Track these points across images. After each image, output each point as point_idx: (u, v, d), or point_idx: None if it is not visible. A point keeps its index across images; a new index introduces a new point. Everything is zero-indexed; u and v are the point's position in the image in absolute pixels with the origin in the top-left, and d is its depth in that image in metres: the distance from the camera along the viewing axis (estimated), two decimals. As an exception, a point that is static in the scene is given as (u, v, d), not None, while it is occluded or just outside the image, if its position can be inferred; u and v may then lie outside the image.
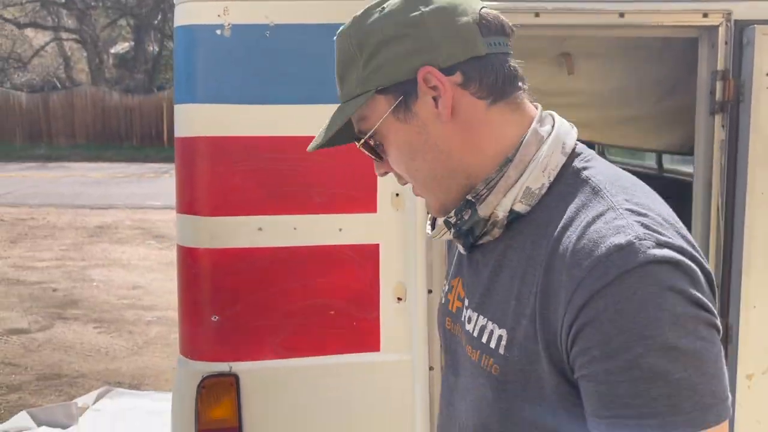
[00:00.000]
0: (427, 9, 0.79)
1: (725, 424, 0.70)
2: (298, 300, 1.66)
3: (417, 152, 0.83)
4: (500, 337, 0.79)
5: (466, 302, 0.89)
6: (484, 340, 0.82)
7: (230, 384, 1.63)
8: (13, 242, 8.34)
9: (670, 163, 3.20)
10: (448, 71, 0.79)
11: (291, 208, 1.64)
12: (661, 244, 0.69)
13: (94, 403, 3.90)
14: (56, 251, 7.85)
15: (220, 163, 1.61)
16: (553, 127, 0.82)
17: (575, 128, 0.85)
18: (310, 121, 1.60)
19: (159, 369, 4.56)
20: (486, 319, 0.83)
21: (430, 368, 1.64)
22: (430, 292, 1.62)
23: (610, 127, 1.81)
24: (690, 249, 0.72)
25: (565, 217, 0.76)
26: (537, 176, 0.79)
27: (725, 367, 0.71)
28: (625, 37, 1.70)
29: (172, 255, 7.29)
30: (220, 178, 1.61)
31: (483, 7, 0.82)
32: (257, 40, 1.59)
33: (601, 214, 0.73)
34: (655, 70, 1.81)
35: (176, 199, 1.67)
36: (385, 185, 1.64)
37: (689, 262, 0.70)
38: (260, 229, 1.63)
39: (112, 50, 24.57)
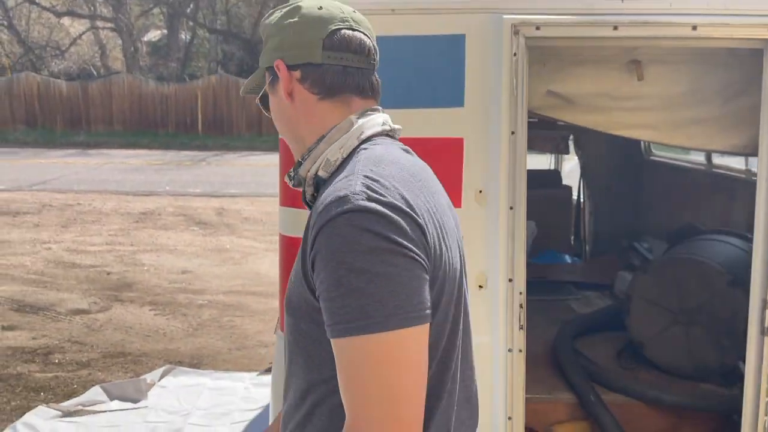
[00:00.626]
0: (292, 21, 1.10)
1: (413, 329, 0.93)
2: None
3: (278, 115, 1.16)
4: (296, 273, 1.06)
5: None
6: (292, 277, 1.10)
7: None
8: (64, 227, 8.68)
9: (720, 160, 3.31)
10: (292, 68, 1.10)
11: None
12: (370, 199, 0.94)
13: (160, 379, 4.15)
14: (105, 236, 8.16)
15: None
16: (361, 121, 1.09)
17: (389, 125, 1.12)
18: (400, 123, 1.78)
19: (215, 349, 4.79)
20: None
21: (509, 350, 1.81)
22: (510, 280, 1.78)
23: (677, 129, 1.94)
24: (401, 206, 0.96)
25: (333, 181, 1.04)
26: (335, 151, 1.07)
27: (422, 288, 0.95)
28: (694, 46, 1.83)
29: (216, 241, 7.56)
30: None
31: (341, 28, 1.09)
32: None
33: (344, 177, 1.00)
34: (721, 75, 1.93)
35: (280, 193, 1.85)
36: (470, 183, 1.80)
37: (392, 214, 0.94)
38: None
39: (145, 38, 25.00)
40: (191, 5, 22.99)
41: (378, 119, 1.11)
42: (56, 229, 8.57)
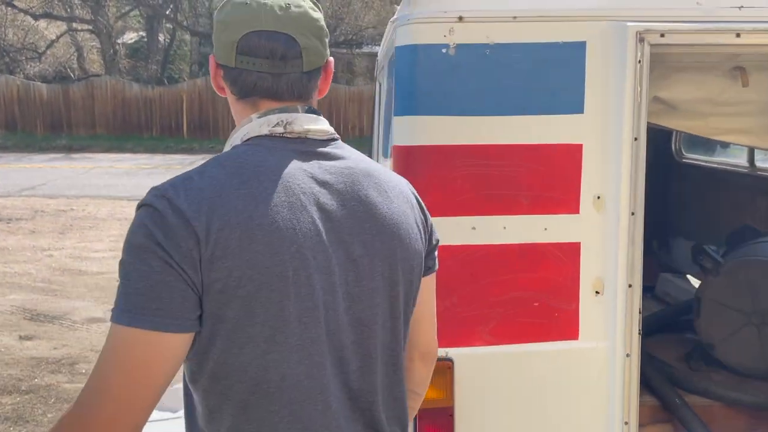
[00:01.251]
0: (219, 18, 1.14)
1: (142, 332, 0.96)
2: (506, 292, 1.83)
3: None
4: None
5: None
6: None
7: (447, 367, 1.81)
8: (62, 233, 8.51)
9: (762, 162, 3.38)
10: (218, 66, 1.15)
11: (501, 209, 1.81)
12: (159, 197, 1.01)
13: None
14: (107, 242, 8.01)
15: (440, 168, 1.78)
16: (255, 122, 1.12)
17: (282, 127, 1.11)
18: (519, 130, 1.79)
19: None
20: None
21: (627, 355, 1.82)
22: (630, 286, 1.79)
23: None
24: (184, 211, 0.98)
25: None
26: (231, 143, 1.15)
27: (169, 295, 0.97)
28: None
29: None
30: (439, 181, 1.78)
31: (252, 31, 1.09)
32: (478, 58, 1.75)
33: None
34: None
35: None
36: (588, 188, 1.81)
37: (168, 217, 0.98)
38: (474, 228, 1.80)
39: (121, 40, 24.61)
40: (171, 6, 22.71)
41: (272, 119, 1.11)
42: (54, 235, 8.39)
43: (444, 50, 1.75)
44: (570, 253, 1.83)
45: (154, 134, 18.74)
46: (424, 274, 1.28)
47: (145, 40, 23.86)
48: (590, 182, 1.80)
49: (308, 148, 1.12)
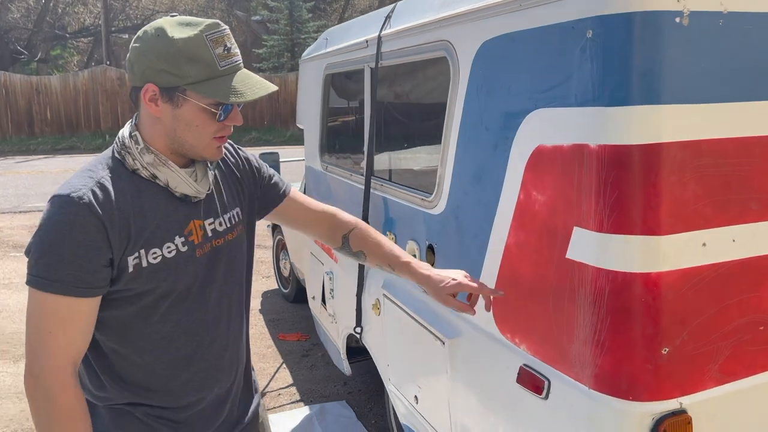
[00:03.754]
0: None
1: (53, 296, 1.26)
2: (735, 318, 1.50)
3: None
4: None
5: None
6: None
7: (687, 422, 1.44)
8: None
9: None
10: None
11: (731, 219, 1.47)
12: (61, 190, 1.28)
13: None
14: None
15: (673, 171, 1.39)
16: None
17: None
18: (752, 120, 1.45)
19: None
20: None
21: None
22: None
23: None
24: (80, 198, 1.27)
25: None
26: None
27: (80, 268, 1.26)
28: None
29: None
30: (670, 189, 1.39)
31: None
32: (712, 29, 1.38)
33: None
34: None
35: (609, 215, 1.41)
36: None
37: (69, 206, 1.26)
38: (704, 244, 1.44)
39: None
40: None
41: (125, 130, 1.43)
42: None
43: (677, 19, 1.35)
44: (796, 263, 1.55)
45: None
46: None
47: None
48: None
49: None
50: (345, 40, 3.07)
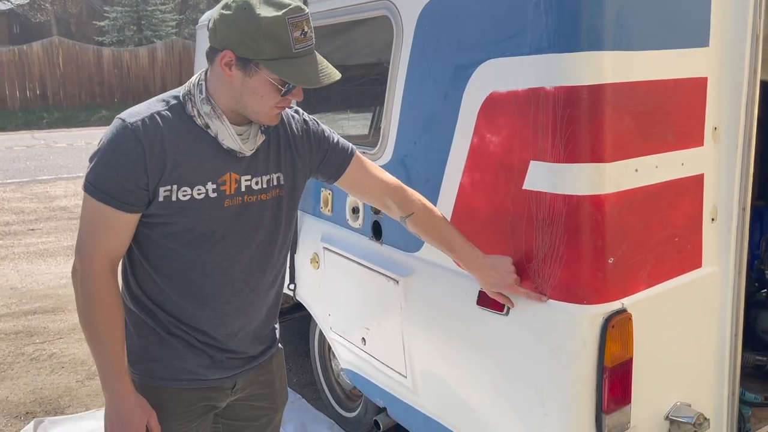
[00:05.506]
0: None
1: (99, 204, 1.44)
2: (658, 232, 1.81)
3: None
4: None
5: None
6: None
7: (628, 318, 1.73)
8: None
9: None
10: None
11: (655, 148, 1.76)
12: (123, 114, 1.47)
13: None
14: None
15: (614, 108, 1.65)
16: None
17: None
18: (670, 64, 1.75)
19: (61, 387, 3.74)
20: None
21: (738, 273, 1.97)
22: (744, 209, 1.93)
23: None
24: (132, 124, 1.44)
25: None
26: None
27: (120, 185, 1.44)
28: None
29: None
30: (615, 123, 1.66)
31: None
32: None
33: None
34: None
35: (564, 148, 1.65)
36: (709, 121, 1.87)
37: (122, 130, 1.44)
38: (636, 170, 1.73)
39: None
40: None
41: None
42: None
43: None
44: (698, 185, 1.89)
45: None
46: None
47: None
48: (710, 115, 1.87)
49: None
50: None
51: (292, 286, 2.94)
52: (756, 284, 3.09)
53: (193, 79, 1.54)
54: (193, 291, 1.57)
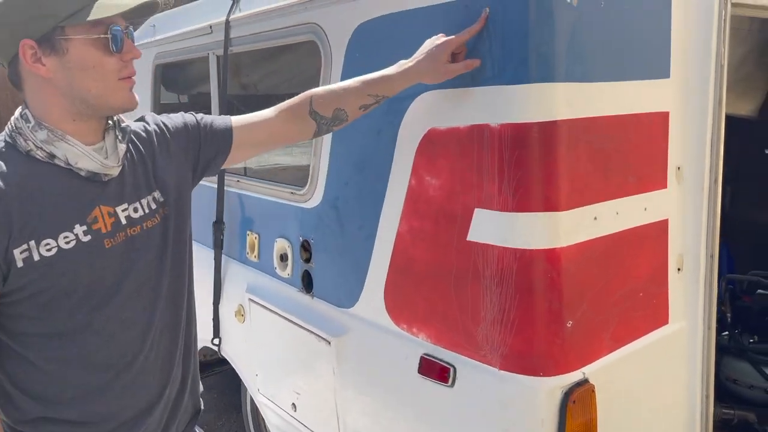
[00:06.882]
0: None
1: None
2: (619, 288, 1.59)
3: None
4: None
5: None
6: None
7: (591, 390, 1.49)
8: None
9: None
10: None
11: (615, 192, 1.55)
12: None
13: None
14: None
15: (570, 148, 1.43)
16: None
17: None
18: (628, 98, 1.55)
19: None
20: None
21: (708, 328, 1.77)
22: (712, 257, 1.73)
23: None
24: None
25: None
26: None
27: None
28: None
29: None
30: (570, 165, 1.43)
31: None
32: (594, 11, 1.44)
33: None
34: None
35: (513, 194, 1.41)
36: (672, 160, 1.68)
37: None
38: (595, 218, 1.51)
39: None
40: None
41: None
42: None
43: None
44: (662, 231, 1.68)
45: None
46: None
47: None
48: (673, 153, 1.68)
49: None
50: (179, 27, 2.81)
51: (216, 341, 2.63)
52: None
53: (15, 114, 1.26)
54: (97, 364, 1.27)
